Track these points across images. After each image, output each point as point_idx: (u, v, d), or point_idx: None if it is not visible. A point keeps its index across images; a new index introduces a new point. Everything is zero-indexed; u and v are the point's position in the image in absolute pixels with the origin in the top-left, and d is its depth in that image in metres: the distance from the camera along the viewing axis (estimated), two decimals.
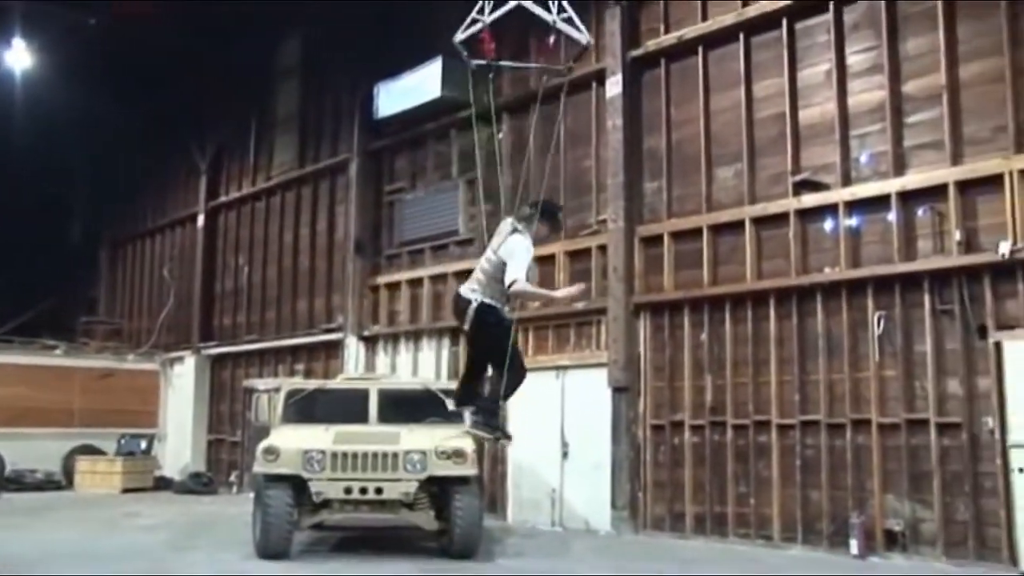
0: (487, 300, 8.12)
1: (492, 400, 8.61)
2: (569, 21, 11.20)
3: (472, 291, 8.23)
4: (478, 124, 17.31)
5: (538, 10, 11.50)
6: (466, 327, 8.30)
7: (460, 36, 11.26)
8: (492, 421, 8.70)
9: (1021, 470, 10.43)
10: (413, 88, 17.81)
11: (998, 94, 11.04)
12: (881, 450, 11.51)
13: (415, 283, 18.26)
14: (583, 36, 11.10)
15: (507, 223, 8.30)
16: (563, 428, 15.05)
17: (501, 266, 8.00)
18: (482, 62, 10.87)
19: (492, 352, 8.33)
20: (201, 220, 24.55)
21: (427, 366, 17.65)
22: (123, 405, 23.02)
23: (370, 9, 18.63)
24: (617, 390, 14.15)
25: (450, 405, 12.71)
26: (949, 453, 11.00)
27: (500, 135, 16.92)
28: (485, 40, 11.15)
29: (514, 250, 7.96)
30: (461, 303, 8.29)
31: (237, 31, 21.27)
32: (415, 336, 18.09)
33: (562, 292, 8.80)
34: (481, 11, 11.30)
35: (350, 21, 19.08)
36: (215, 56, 22.14)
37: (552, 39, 11.05)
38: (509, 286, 7.87)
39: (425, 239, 18.13)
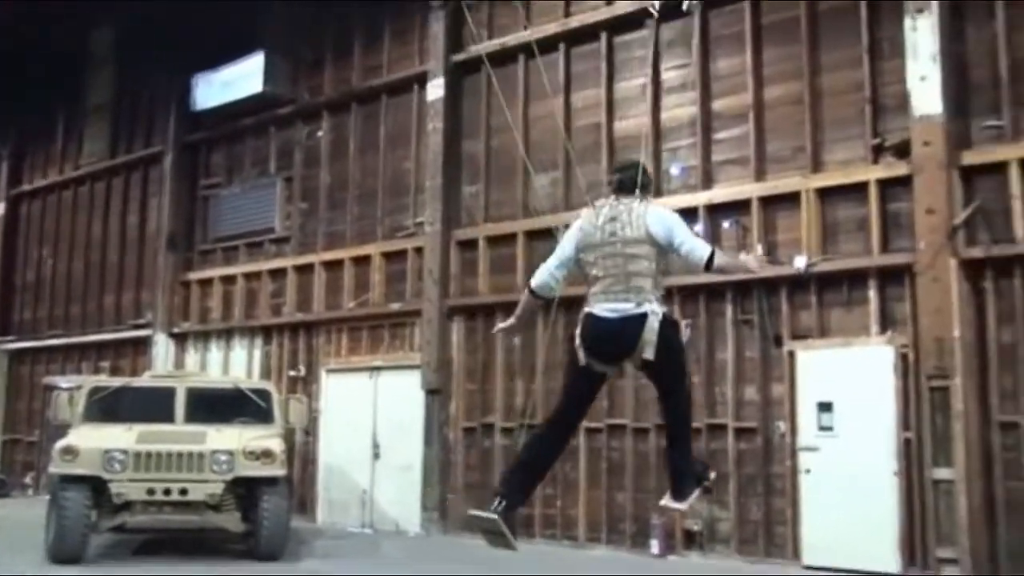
0: (663, 309, 5.42)
1: (685, 449, 5.75)
2: None
3: (638, 301, 5.37)
4: (298, 121, 17.11)
5: None
6: (649, 356, 5.32)
7: None
8: (699, 469, 5.92)
9: (808, 471, 10.95)
10: (233, 82, 17.34)
11: (798, 116, 11.55)
12: None
13: (228, 280, 17.76)
14: None
15: (620, 203, 5.57)
16: (375, 429, 14.91)
17: (660, 251, 5.44)
18: None
19: (677, 377, 5.62)
20: (1, 208, 23.22)
21: (239, 365, 17.19)
22: None
23: None
24: (430, 392, 14.11)
25: (271, 402, 12.45)
26: (745, 456, 11.43)
27: (320, 133, 16.68)
28: None
29: (672, 220, 5.51)
30: (630, 326, 5.35)
31: (47, 14, 20.21)
32: (227, 334, 17.60)
33: (754, 261, 6.25)
34: None
35: (169, 10, 18.38)
36: (20, 38, 20.95)
37: None
38: (708, 263, 5.37)
39: (240, 236, 17.66)
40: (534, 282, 5.88)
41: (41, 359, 21.48)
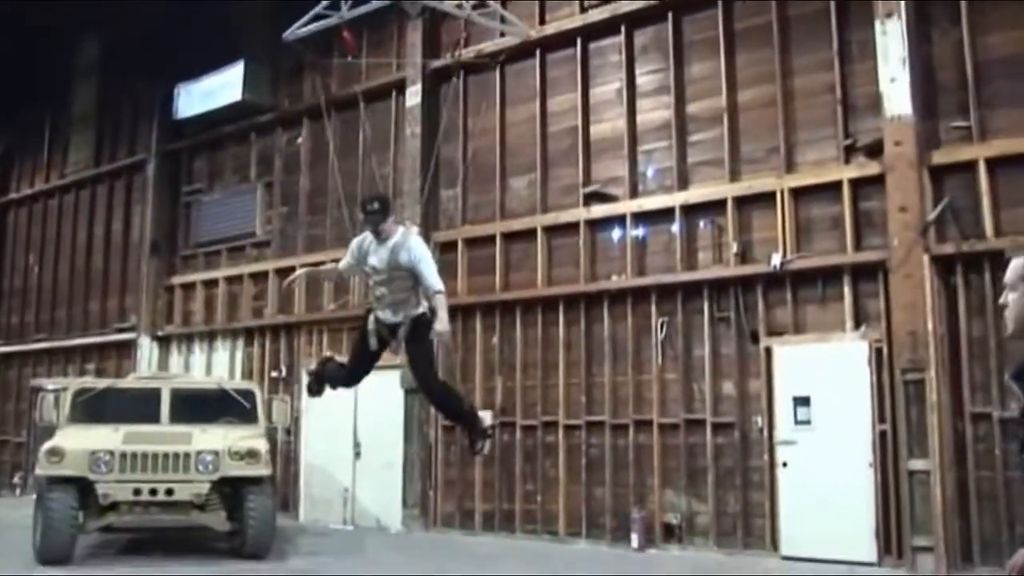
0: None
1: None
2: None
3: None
4: (278, 128, 16.50)
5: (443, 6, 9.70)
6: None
7: (297, 32, 9.55)
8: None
9: (785, 464, 10.52)
10: (214, 90, 16.67)
11: (771, 118, 11.14)
12: (661, 449, 11.37)
13: (210, 284, 17.09)
14: (520, 29, 9.04)
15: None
16: (356, 428, 14.31)
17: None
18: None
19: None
20: None
21: (221, 366, 16.53)
22: None
23: (172, 10, 17.31)
24: (409, 391, 13.53)
25: (255, 402, 11.93)
26: (723, 450, 10.97)
27: (299, 140, 16.09)
28: (347, 37, 9.63)
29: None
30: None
31: (33, 27, 19.47)
32: (210, 336, 16.93)
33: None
34: (335, 6, 9.77)
35: (151, 21, 17.71)
36: (6, 49, 20.18)
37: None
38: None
39: (222, 240, 17.00)
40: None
41: (28, 362, 20.66)
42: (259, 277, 16.30)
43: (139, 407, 11.55)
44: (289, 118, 16.33)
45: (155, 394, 11.74)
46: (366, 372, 7.33)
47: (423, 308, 6.82)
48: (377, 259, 6.80)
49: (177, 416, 11.57)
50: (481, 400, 12.96)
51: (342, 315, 14.77)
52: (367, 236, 6.95)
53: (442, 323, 6.56)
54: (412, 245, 6.78)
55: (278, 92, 16.54)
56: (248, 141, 17.01)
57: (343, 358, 7.83)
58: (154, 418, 11.45)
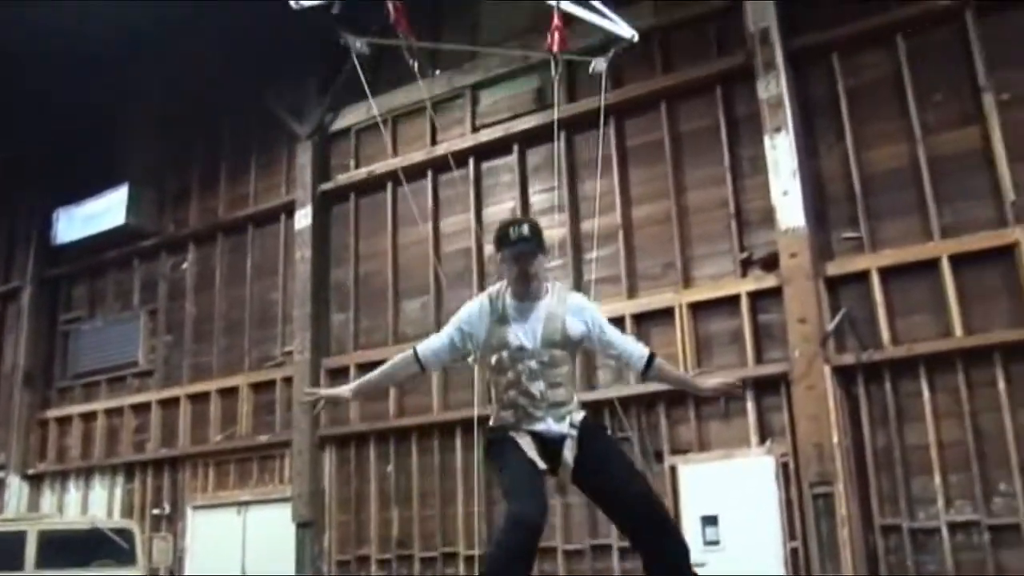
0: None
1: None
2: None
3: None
4: (163, 254, 15.88)
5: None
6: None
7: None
8: None
9: None
10: (96, 214, 15.99)
11: (667, 234, 11.04)
12: None
13: (89, 417, 16.01)
14: (624, 28, 8.46)
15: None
16: (244, 566, 13.35)
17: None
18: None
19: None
20: None
21: (99, 505, 15.37)
22: None
23: (53, 131, 16.68)
24: (301, 525, 12.73)
25: (134, 542, 10.93)
26: None
27: (185, 265, 15.44)
28: (397, 12, 7.28)
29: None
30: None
31: None
32: (87, 473, 15.77)
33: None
34: None
35: (31, 143, 17.03)
36: None
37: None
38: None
39: (102, 371, 16.03)
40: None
41: None
42: (141, 409, 15.36)
43: (1, 553, 10.52)
44: (174, 243, 15.70)
45: (19, 538, 10.64)
46: (545, 495, 4.33)
47: (583, 410, 4.61)
48: (526, 333, 4.48)
49: (45, 561, 10.51)
50: (377, 533, 12.26)
51: (229, 447, 13.96)
52: (492, 299, 4.62)
53: (699, 379, 5.24)
54: (585, 304, 4.64)
55: (163, 216, 15.94)
56: (131, 267, 16.26)
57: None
58: (18, 565, 10.41)
